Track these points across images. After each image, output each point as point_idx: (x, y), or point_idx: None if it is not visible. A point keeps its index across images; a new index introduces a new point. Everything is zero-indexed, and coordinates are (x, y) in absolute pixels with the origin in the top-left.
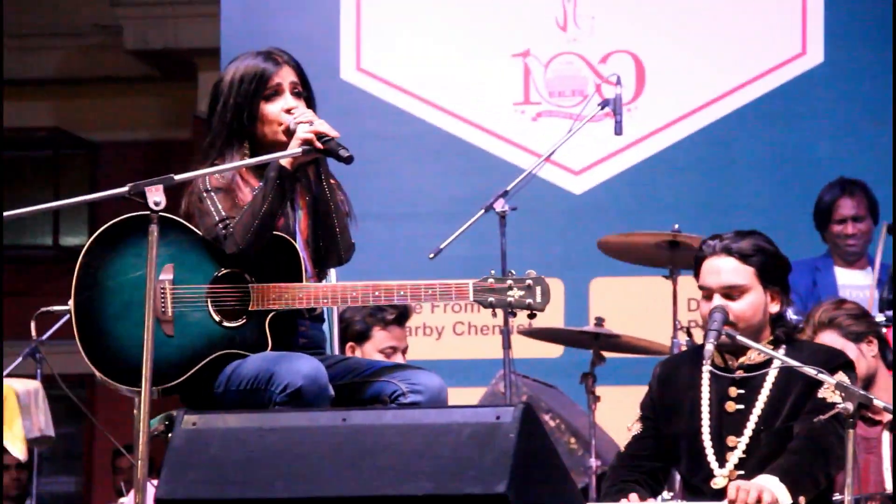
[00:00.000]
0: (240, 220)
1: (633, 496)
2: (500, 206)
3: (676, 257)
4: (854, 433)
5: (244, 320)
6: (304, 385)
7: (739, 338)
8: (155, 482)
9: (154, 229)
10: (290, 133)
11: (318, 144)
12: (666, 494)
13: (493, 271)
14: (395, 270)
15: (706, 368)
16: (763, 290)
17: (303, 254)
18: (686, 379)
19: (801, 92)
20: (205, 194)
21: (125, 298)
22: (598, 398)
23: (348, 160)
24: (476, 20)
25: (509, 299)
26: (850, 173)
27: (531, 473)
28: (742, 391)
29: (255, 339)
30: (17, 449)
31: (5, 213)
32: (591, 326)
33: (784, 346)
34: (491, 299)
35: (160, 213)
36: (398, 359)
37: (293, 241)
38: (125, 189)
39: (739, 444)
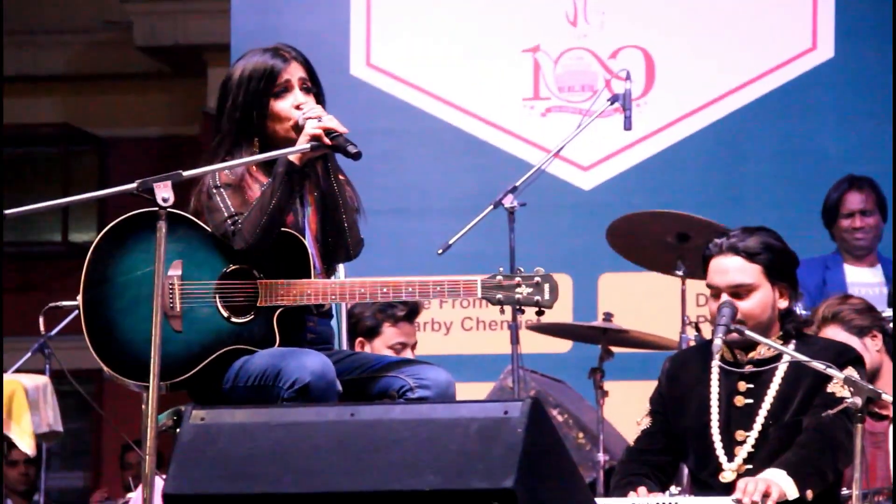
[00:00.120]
0: (248, 216)
1: (642, 489)
2: (508, 201)
3: (685, 253)
4: (863, 428)
5: (252, 316)
6: (311, 380)
7: (748, 332)
8: (163, 477)
9: (162, 226)
10: (299, 129)
11: (327, 140)
12: (674, 489)
13: (501, 268)
14: (403, 266)
15: (715, 363)
16: (771, 287)
17: (311, 250)
18: (695, 374)
19: (811, 87)
20: (214, 190)
21: (134, 294)
22: (606, 393)
23: (357, 156)
24: (486, 15)
25: (517, 296)
26: (860, 169)
27: (539, 468)
28: (751, 386)
29: (263, 334)
30: (25, 444)
31: (15, 210)
32: (599, 321)
33: (794, 342)
34: (499, 296)
35: (169, 210)
36: (407, 354)
37: (302, 238)
38: (133, 185)
39: (748, 439)
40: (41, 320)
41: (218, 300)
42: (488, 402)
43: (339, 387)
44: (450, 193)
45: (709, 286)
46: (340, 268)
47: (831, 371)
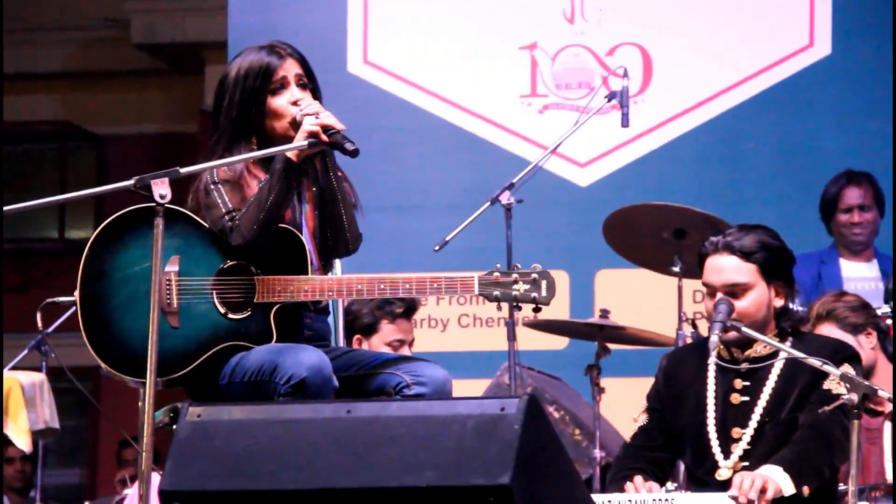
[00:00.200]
0: (246, 213)
1: (638, 478)
2: (505, 198)
3: (682, 249)
4: (859, 424)
5: (249, 312)
6: (308, 376)
7: (745, 329)
8: (160, 473)
9: (159, 222)
10: (296, 125)
11: (324, 137)
12: (670, 485)
13: (498, 265)
14: (400, 262)
15: (712, 361)
16: (767, 286)
17: (309, 246)
18: (692, 371)
19: (809, 84)
20: (212, 186)
21: (131, 290)
22: (602, 390)
23: (354, 153)
24: (483, 13)
25: (514, 293)
26: (858, 165)
27: (536, 465)
28: (747, 383)
29: (259, 331)
30: (21, 441)
31: (12, 207)
32: (596, 318)
33: (790, 339)
34: (496, 293)
35: (166, 206)
36: (405, 351)
37: (299, 234)
38: (131, 182)
39: (744, 436)
40: (38, 317)
41: (215, 296)
42: (485, 399)
43: (336, 383)
44: (447, 190)
45: (705, 284)
46: (337, 264)
47: (828, 368)
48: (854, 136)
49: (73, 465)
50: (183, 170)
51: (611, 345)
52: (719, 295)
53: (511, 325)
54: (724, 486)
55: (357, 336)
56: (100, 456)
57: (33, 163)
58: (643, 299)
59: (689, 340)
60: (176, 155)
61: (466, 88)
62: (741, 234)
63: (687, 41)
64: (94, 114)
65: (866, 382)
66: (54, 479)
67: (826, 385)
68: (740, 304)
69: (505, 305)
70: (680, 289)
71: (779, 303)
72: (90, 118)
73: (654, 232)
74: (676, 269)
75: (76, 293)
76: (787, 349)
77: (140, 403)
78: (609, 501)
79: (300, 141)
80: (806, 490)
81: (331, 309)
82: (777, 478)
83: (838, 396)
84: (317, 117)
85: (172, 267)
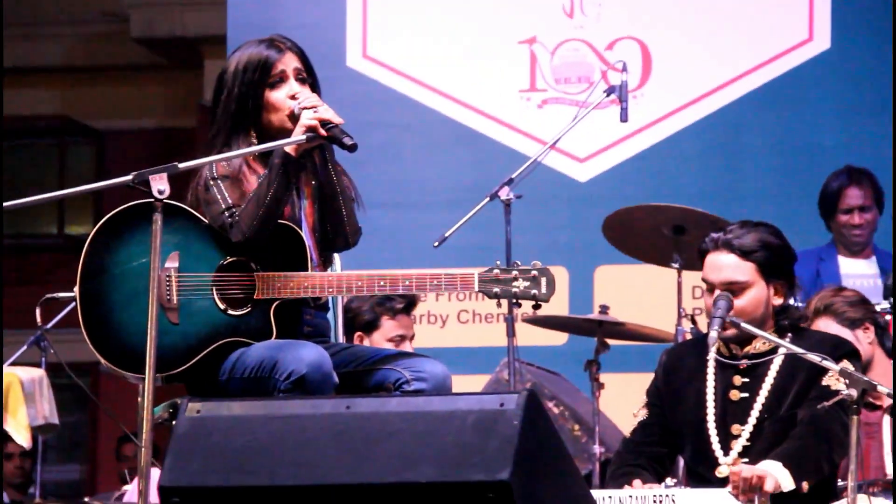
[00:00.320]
0: (245, 209)
1: (637, 482)
2: (505, 193)
3: (681, 245)
4: (858, 420)
5: (249, 308)
6: (308, 372)
7: (744, 325)
8: (159, 469)
9: (158, 218)
10: (295, 119)
11: (322, 131)
12: (669, 481)
13: (498, 262)
14: (399, 258)
15: (711, 357)
16: (765, 285)
17: (308, 242)
18: (691, 368)
19: (808, 78)
20: (211, 182)
21: (131, 286)
22: (601, 385)
23: (352, 148)
24: (482, 7)
25: (514, 290)
26: (857, 159)
27: (535, 460)
28: (746, 379)
29: (259, 327)
30: (21, 437)
31: (12, 203)
32: (595, 314)
33: (789, 335)
34: (496, 290)
35: (167, 202)
36: (406, 346)
37: (298, 230)
38: (129, 178)
39: (743, 432)
40: (38, 312)
41: (215, 292)
42: (484, 395)
43: (336, 379)
44: (446, 185)
45: (704, 280)
46: (337, 260)
47: (827, 364)
48: (853, 131)
49: (72, 461)
50: (181, 165)
51: (610, 340)
52: (718, 291)
53: (510, 321)
54: (724, 482)
55: (358, 333)
56: (99, 452)
57: (32, 158)
58: (642, 295)
59: (688, 336)
60: (174, 150)
61: (465, 83)
62: (742, 231)
63: (686, 35)
64: (92, 108)
65: (865, 378)
66: (54, 475)
67: (825, 381)
68: (738, 303)
69: (504, 301)
70: (679, 284)
71: (777, 301)
72: (89, 113)
73: (653, 229)
74: (676, 265)
75: (76, 289)
76: (786, 345)
77: (139, 399)
78: (609, 497)
79: (298, 135)
80: (805, 486)
81: (330, 305)
82: (777, 474)
83: (837, 392)
84: (315, 111)
85: (172, 263)
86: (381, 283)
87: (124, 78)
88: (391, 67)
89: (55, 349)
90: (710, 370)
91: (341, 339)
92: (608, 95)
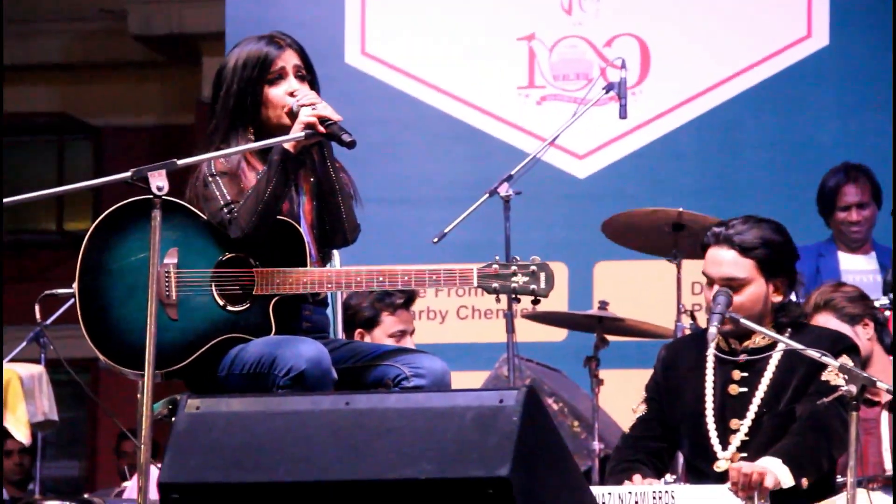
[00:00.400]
0: (244, 205)
1: (637, 477)
2: (504, 190)
3: (680, 241)
4: (857, 416)
5: (248, 304)
6: (307, 368)
7: (743, 321)
8: (158, 466)
9: (157, 214)
10: (293, 116)
11: (321, 128)
12: (669, 477)
13: (497, 257)
14: (398, 255)
15: (710, 352)
16: (765, 282)
17: (307, 238)
18: (690, 362)
19: (807, 75)
20: (210, 178)
21: (129, 282)
22: (601, 381)
23: (351, 145)
24: (481, 4)
25: (513, 285)
26: (855, 156)
27: (534, 457)
28: (745, 374)
29: (258, 323)
30: (20, 433)
31: (10, 199)
32: (594, 310)
33: (788, 331)
34: (495, 285)
35: (165, 198)
36: (407, 341)
37: (297, 226)
38: (127, 174)
39: (742, 427)
40: (37, 309)
41: (214, 288)
42: (484, 391)
43: (335, 375)
44: (445, 182)
45: (704, 274)
46: (336, 256)
47: (827, 359)
48: (852, 127)
49: (71, 458)
50: (180, 161)
51: (609, 336)
52: (717, 286)
53: (510, 317)
54: (723, 477)
55: (359, 330)
56: (99, 448)
57: (31, 155)
58: (642, 291)
59: (687, 332)
60: (173, 147)
61: (464, 80)
62: (744, 227)
63: (685, 32)
64: (90, 105)
65: (865, 374)
66: (53, 472)
67: (824, 376)
68: (737, 299)
69: (504, 297)
70: (679, 280)
71: (777, 299)
72: (87, 109)
73: (652, 226)
74: (674, 261)
75: (75, 285)
76: (785, 340)
77: (139, 395)
78: (608, 493)
79: (297, 132)
80: (805, 482)
81: (329, 301)
82: (776, 470)
83: (837, 388)
84: (314, 108)
85: (172, 259)
86: (380, 278)
87: (123, 75)
88: (390, 64)
89: (54, 345)
90: (710, 365)
91: (340, 335)
92: (607, 92)
